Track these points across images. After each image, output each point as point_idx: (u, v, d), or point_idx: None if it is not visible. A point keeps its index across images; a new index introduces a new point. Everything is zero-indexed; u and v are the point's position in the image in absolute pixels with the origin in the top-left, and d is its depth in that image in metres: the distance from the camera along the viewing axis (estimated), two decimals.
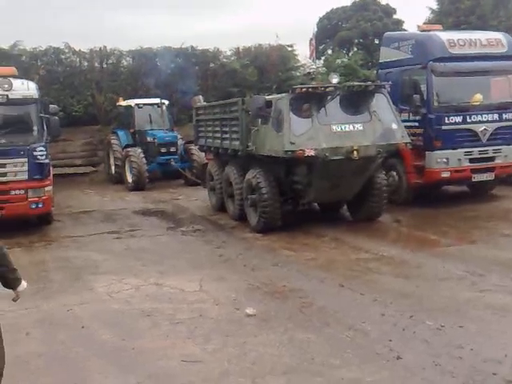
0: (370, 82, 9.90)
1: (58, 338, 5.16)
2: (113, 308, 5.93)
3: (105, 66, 19.10)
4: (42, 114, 10.05)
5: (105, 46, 18.92)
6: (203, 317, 5.54)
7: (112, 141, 16.72)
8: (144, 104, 16.48)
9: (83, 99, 18.40)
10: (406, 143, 9.07)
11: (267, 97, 9.61)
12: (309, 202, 9.80)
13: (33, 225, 10.27)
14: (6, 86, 9.54)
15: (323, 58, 25.79)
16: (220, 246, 8.71)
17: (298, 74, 20.59)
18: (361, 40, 27.43)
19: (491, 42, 10.91)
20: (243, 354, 4.67)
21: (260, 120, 9.38)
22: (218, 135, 11.11)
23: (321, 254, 7.94)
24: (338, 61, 22.04)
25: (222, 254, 8.18)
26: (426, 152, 10.54)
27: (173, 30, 39.10)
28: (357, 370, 4.29)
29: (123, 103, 16.99)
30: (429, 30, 11.44)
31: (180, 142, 16.24)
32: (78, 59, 18.88)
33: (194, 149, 15.07)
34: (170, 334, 5.16)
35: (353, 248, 8.18)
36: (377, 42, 23.86)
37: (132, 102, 16.58)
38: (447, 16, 21.70)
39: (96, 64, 19.04)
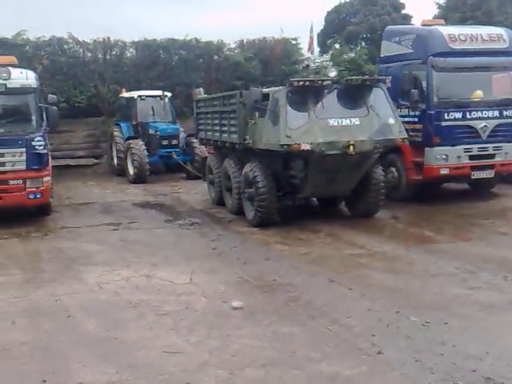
0: (367, 76, 9.84)
1: (43, 327, 5.18)
2: (101, 298, 5.94)
3: (108, 57, 19.07)
4: (40, 104, 10.04)
5: (108, 37, 18.86)
6: (189, 309, 5.54)
7: (115, 133, 16.70)
8: (147, 96, 16.35)
9: (86, 90, 18.38)
10: (404, 139, 8.99)
11: (265, 89, 9.58)
12: (306, 197, 9.77)
13: (31, 215, 10.29)
14: (5, 74, 9.52)
15: (330, 52, 25.68)
16: (215, 239, 8.69)
17: (301, 67, 20.51)
18: (368, 35, 27.23)
19: (493, 37, 10.75)
20: (225, 345, 4.67)
21: (257, 113, 9.35)
22: (217, 128, 11.08)
23: (314, 248, 7.92)
24: (345, 56, 21.95)
25: (215, 247, 8.18)
26: (425, 148, 10.45)
27: (177, 23, 39.13)
28: (336, 364, 4.27)
29: (126, 95, 16.93)
30: (431, 25, 11.28)
31: (182, 134, 16.15)
32: (81, 50, 18.87)
33: (195, 142, 14.96)
34: (155, 325, 5.17)
35: (347, 243, 8.15)
36: None
37: (135, 94, 16.48)
38: (454, 11, 21.61)
39: (99, 55, 19.02)
